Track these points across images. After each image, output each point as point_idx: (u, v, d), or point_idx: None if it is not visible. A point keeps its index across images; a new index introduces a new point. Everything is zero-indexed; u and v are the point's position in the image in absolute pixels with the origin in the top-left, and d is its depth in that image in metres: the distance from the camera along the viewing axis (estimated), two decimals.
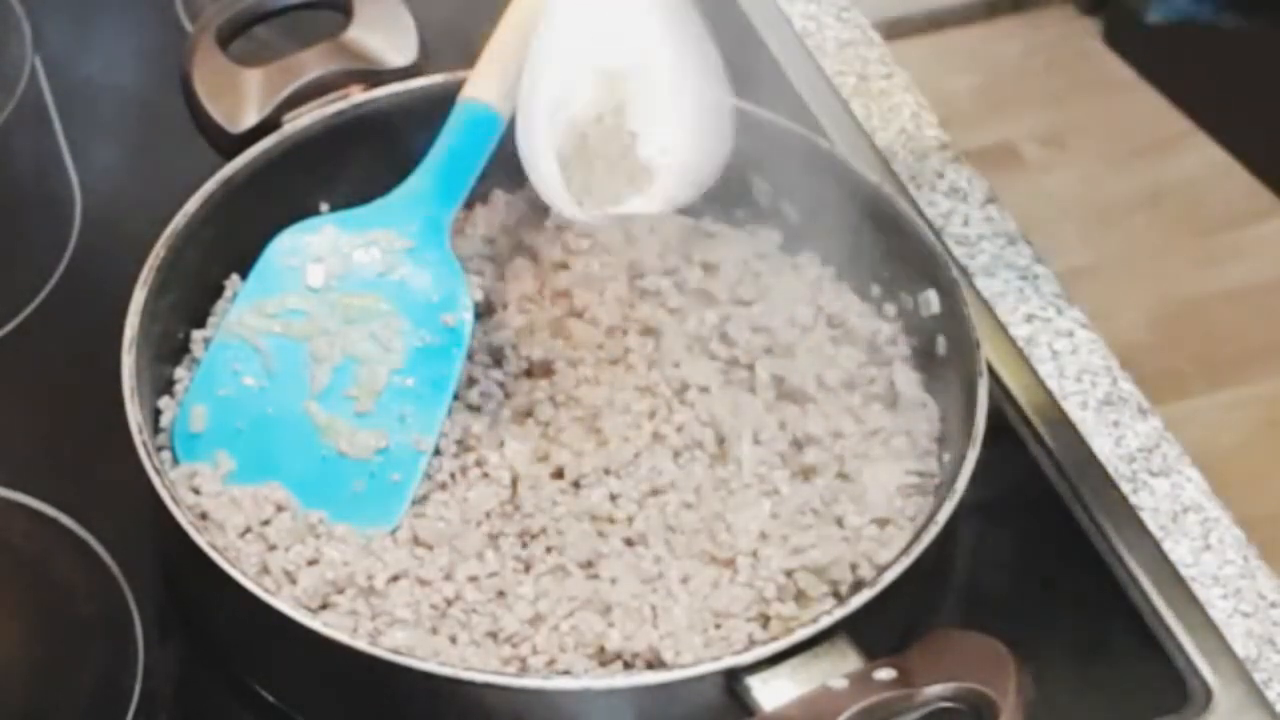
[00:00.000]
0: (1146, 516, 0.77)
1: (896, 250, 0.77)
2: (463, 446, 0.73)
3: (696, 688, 0.62)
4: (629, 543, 0.70)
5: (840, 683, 0.61)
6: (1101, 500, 0.77)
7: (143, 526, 0.72)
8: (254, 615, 0.63)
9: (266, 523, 0.70)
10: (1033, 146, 2.09)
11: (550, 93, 0.71)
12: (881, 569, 0.65)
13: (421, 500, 0.72)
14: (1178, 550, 0.76)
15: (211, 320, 0.78)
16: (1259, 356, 1.83)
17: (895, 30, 1.51)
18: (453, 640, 0.67)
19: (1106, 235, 1.96)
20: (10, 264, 0.87)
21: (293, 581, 0.68)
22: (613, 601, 0.68)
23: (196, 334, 0.77)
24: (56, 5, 0.99)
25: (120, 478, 0.69)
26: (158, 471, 0.66)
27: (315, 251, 0.76)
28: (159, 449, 0.71)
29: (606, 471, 0.72)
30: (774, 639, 0.62)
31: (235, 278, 0.78)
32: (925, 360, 0.76)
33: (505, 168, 0.80)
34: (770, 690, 0.61)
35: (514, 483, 0.72)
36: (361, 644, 0.62)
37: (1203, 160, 2.02)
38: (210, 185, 0.76)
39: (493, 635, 0.67)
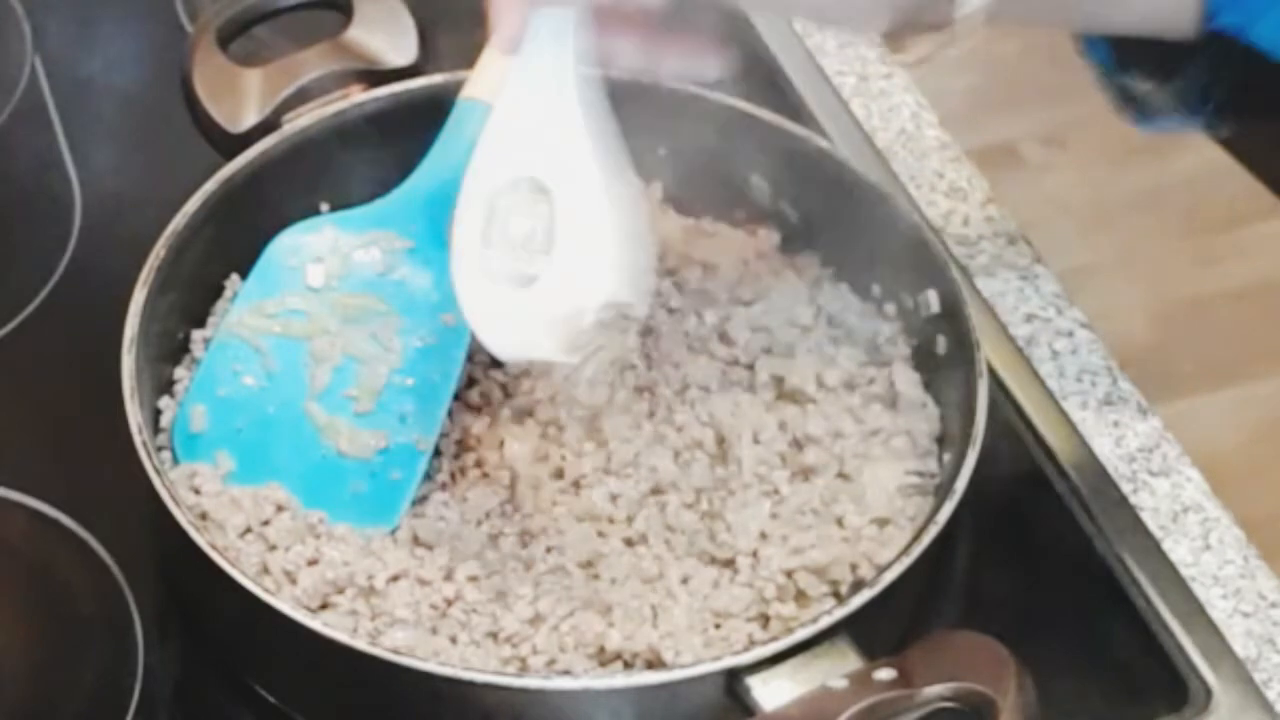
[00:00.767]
0: (1146, 516, 0.77)
1: (897, 250, 0.77)
2: (463, 446, 0.73)
3: (696, 688, 0.62)
4: (629, 543, 0.70)
5: (840, 683, 0.61)
6: (1101, 500, 0.77)
7: (143, 526, 0.72)
8: (254, 615, 0.63)
9: (266, 523, 0.70)
10: (1033, 146, 2.09)
11: (482, 208, 0.69)
12: (881, 569, 0.65)
13: (421, 500, 0.72)
14: (1178, 550, 0.76)
15: (211, 320, 0.78)
16: (1259, 356, 1.83)
17: None
18: (453, 640, 0.67)
19: (1106, 235, 1.96)
20: (10, 264, 0.87)
21: (293, 581, 0.68)
22: (613, 601, 0.68)
23: (196, 334, 0.77)
24: (56, 5, 0.99)
25: (120, 478, 0.69)
26: (158, 471, 0.66)
27: (315, 251, 0.76)
28: (159, 449, 0.71)
29: (606, 471, 0.72)
30: (774, 639, 0.62)
31: (235, 278, 0.78)
32: (925, 360, 0.76)
33: None
34: (770, 690, 0.61)
35: (514, 483, 0.72)
36: (361, 644, 0.62)
37: (1203, 160, 2.01)
38: (210, 185, 0.76)
39: (493, 635, 0.67)
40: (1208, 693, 0.71)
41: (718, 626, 0.67)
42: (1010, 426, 0.80)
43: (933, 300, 0.76)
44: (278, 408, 0.74)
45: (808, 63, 0.98)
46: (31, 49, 0.97)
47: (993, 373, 0.77)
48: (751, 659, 0.62)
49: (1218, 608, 0.74)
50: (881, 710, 0.60)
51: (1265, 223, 1.96)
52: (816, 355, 0.77)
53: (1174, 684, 0.71)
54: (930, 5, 0.65)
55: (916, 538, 0.65)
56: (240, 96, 0.80)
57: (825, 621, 0.62)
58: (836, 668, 0.61)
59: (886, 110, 0.96)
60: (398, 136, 0.79)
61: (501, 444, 0.73)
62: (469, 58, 0.78)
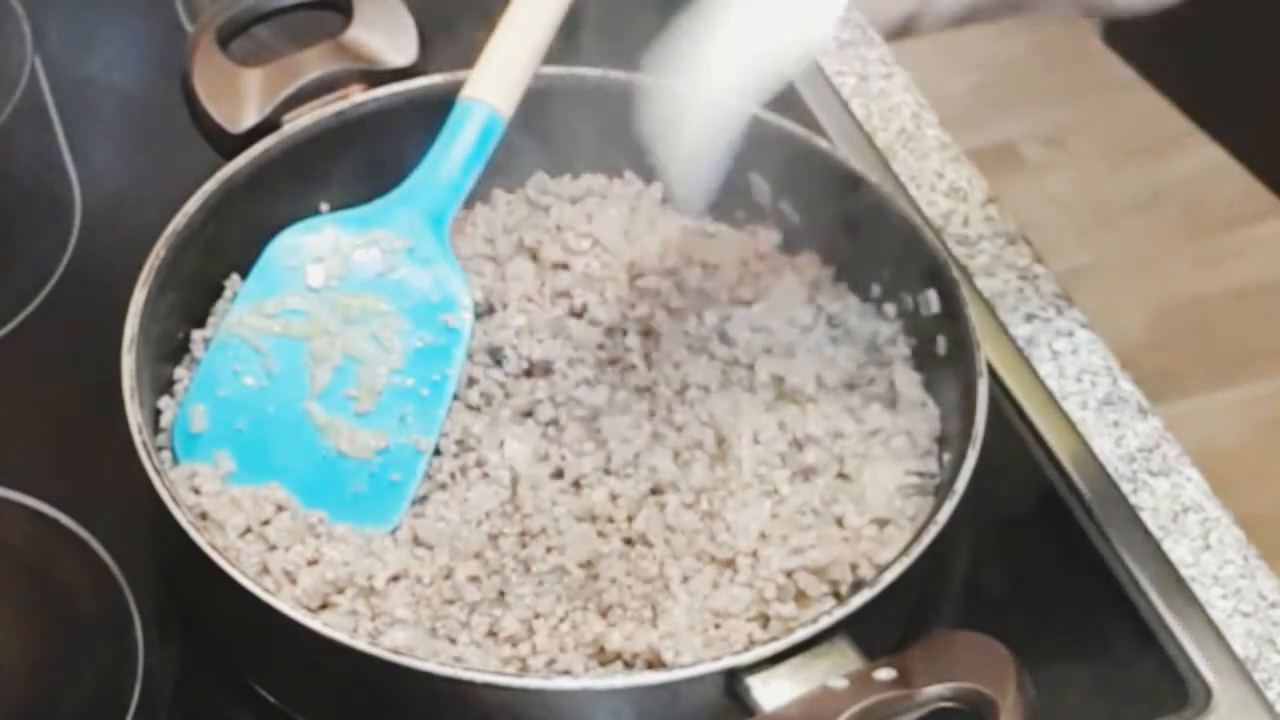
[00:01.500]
0: (1146, 516, 0.77)
1: (897, 250, 0.77)
2: (463, 446, 0.73)
3: (696, 688, 0.62)
4: (629, 543, 0.70)
5: (840, 683, 0.61)
6: (1101, 500, 0.77)
7: (143, 526, 0.72)
8: (254, 615, 0.63)
9: (266, 523, 0.70)
10: (1033, 146, 2.09)
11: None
12: (881, 569, 0.65)
13: (421, 500, 0.72)
14: (1178, 550, 0.76)
15: (211, 320, 0.78)
16: (1259, 356, 1.83)
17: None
18: (453, 640, 0.67)
19: (1106, 235, 1.96)
20: (10, 264, 0.87)
21: (293, 581, 0.68)
22: (613, 601, 0.68)
23: (196, 334, 0.77)
24: (56, 5, 0.99)
25: (120, 478, 0.69)
26: (158, 471, 0.66)
27: (315, 251, 0.76)
28: (159, 449, 0.71)
29: (606, 471, 0.72)
30: (774, 639, 0.62)
31: (235, 278, 0.78)
32: (925, 360, 0.76)
33: (505, 168, 0.81)
34: (770, 690, 0.61)
35: (514, 483, 0.72)
36: (361, 644, 0.62)
37: (1203, 160, 2.02)
38: (210, 185, 0.76)
39: (493, 635, 0.67)
40: (1208, 693, 0.71)
41: (718, 626, 0.67)
42: (1010, 426, 0.80)
43: (933, 300, 0.76)
44: (278, 408, 0.74)
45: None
46: (31, 49, 0.97)
47: (993, 373, 0.77)
48: (751, 659, 0.62)
49: (1218, 608, 0.74)
50: (881, 710, 0.60)
51: (1265, 223, 1.96)
52: (816, 355, 0.77)
53: (1174, 684, 0.71)
54: None
55: (916, 538, 0.65)
56: (240, 96, 0.80)
57: (825, 621, 0.62)
58: (836, 668, 0.61)
59: (886, 110, 0.96)
60: (398, 136, 0.79)
61: (501, 444, 0.73)
62: (469, 58, 0.78)
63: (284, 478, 0.71)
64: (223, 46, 0.82)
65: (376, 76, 0.81)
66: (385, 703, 0.65)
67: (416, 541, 0.70)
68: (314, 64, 0.81)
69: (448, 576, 0.69)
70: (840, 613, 0.63)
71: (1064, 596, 0.75)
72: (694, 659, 0.65)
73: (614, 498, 0.71)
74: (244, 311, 0.75)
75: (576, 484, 0.72)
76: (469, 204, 0.81)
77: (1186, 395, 1.76)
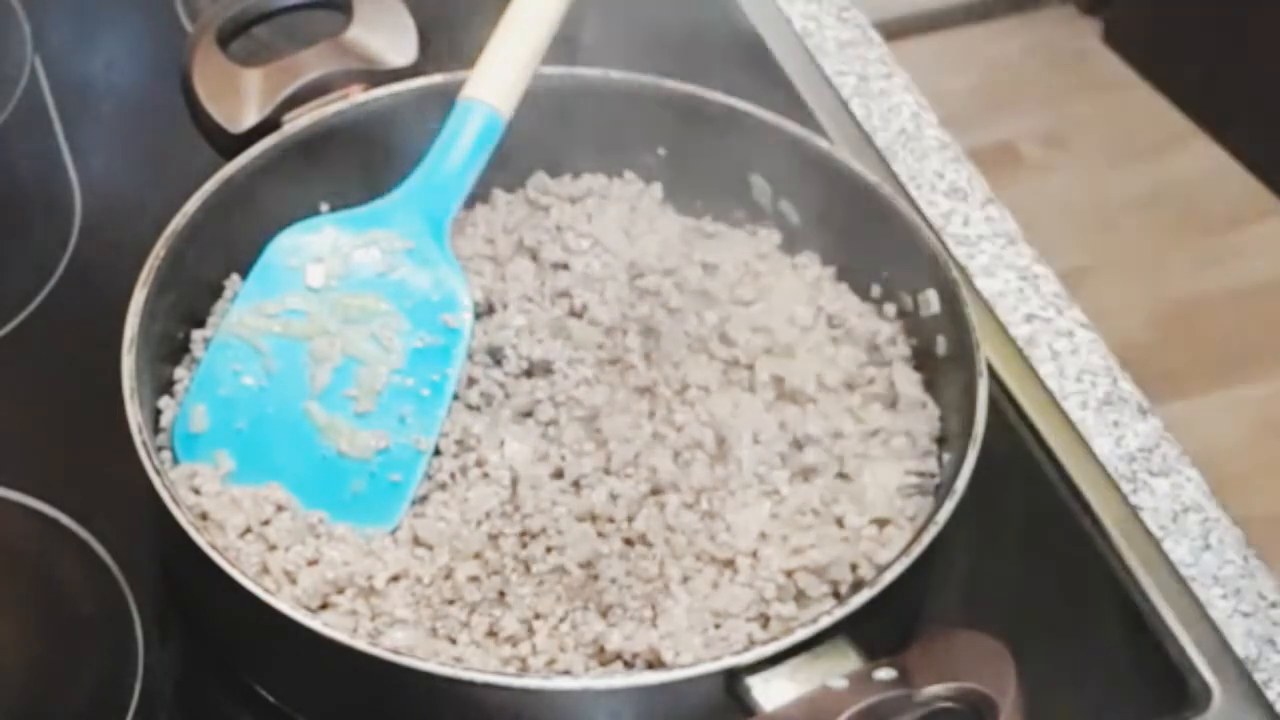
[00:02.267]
0: (1146, 516, 0.77)
1: (896, 250, 0.77)
2: (463, 446, 0.73)
3: (696, 688, 0.62)
4: (629, 543, 0.70)
5: (840, 683, 0.61)
6: (1101, 500, 0.77)
7: (143, 526, 0.72)
8: (254, 615, 0.63)
9: (266, 523, 0.70)
10: (1033, 146, 2.09)
11: None
12: (881, 569, 0.65)
13: (421, 500, 0.72)
14: (1178, 550, 0.76)
15: (211, 320, 0.78)
16: (1259, 356, 1.84)
17: (895, 30, 1.51)
18: (453, 640, 0.67)
19: (1106, 235, 1.96)
20: (10, 264, 0.87)
21: (293, 581, 0.68)
22: (613, 602, 0.68)
23: (196, 334, 0.77)
24: (56, 5, 0.99)
25: (120, 478, 0.69)
26: (158, 471, 0.66)
27: (315, 251, 0.76)
28: (159, 449, 0.71)
29: (606, 471, 0.72)
30: (774, 639, 0.62)
31: (235, 278, 0.78)
32: (925, 360, 0.76)
33: (505, 168, 0.81)
34: (770, 690, 0.61)
35: (514, 483, 0.72)
36: (361, 644, 0.62)
37: (1203, 160, 2.02)
38: (210, 185, 0.76)
39: (493, 635, 0.67)
40: (1208, 693, 0.71)
41: (718, 626, 0.67)
42: (1010, 426, 0.80)
43: (933, 300, 0.76)
44: (278, 408, 0.74)
45: (808, 63, 0.98)
46: (31, 49, 0.97)
47: (993, 373, 0.77)
48: (751, 659, 0.62)
49: (1218, 608, 0.74)
50: (881, 710, 0.60)
51: (1265, 223, 1.97)
52: (816, 355, 0.77)
53: (1174, 684, 0.71)
54: None
55: (916, 538, 0.65)
56: (240, 96, 0.80)
57: (825, 621, 0.62)
58: (836, 668, 0.61)
59: (886, 110, 0.96)
60: (398, 136, 0.79)
61: (501, 444, 0.73)
62: (469, 58, 0.78)
63: (284, 478, 0.71)
64: (223, 46, 0.82)
65: (376, 76, 0.81)
66: (385, 703, 0.65)
67: (416, 541, 0.70)
68: (314, 64, 0.81)
69: (448, 576, 0.69)
70: (840, 613, 0.63)
71: (1064, 597, 0.75)
72: (694, 659, 0.65)
73: (614, 498, 0.71)
74: (244, 311, 0.75)
75: (576, 484, 0.72)
76: (469, 204, 0.81)
77: (1186, 395, 1.76)
